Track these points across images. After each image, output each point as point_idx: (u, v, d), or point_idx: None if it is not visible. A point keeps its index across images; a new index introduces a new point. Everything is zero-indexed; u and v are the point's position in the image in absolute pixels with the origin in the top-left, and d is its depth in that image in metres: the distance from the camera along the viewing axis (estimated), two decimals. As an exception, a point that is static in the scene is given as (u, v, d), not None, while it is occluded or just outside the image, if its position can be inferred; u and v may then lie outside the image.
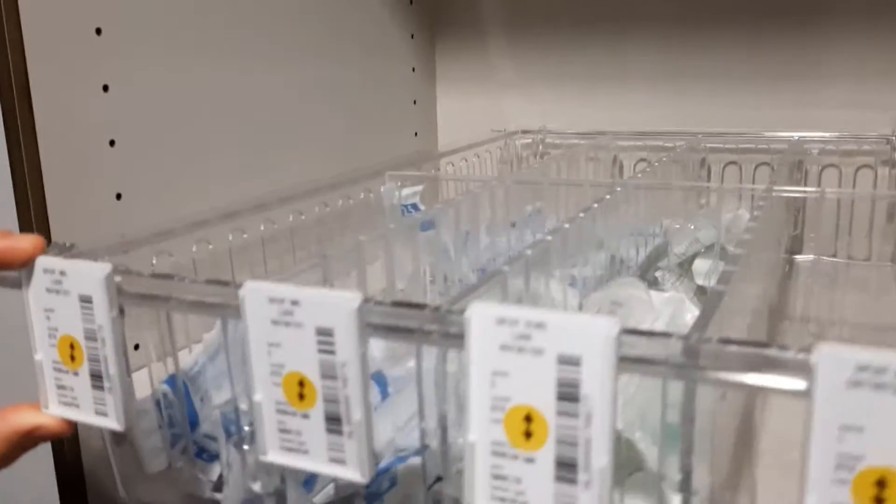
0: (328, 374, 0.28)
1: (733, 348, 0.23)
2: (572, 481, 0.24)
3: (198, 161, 0.62)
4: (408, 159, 0.75)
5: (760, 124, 0.82)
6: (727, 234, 0.61)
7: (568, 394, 0.23)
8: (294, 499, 0.36)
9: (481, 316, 0.24)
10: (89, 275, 0.32)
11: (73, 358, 0.34)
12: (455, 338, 0.26)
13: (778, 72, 0.82)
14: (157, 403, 0.39)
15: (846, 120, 0.78)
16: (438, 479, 0.33)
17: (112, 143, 0.55)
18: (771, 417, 0.46)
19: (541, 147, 0.94)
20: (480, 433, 0.25)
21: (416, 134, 0.96)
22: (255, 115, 0.68)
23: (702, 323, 0.27)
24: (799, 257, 0.78)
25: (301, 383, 0.28)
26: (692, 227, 0.62)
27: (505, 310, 0.24)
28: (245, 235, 0.54)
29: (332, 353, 0.27)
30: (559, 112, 0.94)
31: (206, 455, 0.40)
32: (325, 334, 0.27)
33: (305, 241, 0.59)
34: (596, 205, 0.49)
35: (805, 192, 0.60)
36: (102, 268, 0.32)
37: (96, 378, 0.33)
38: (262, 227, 0.55)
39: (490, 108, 0.97)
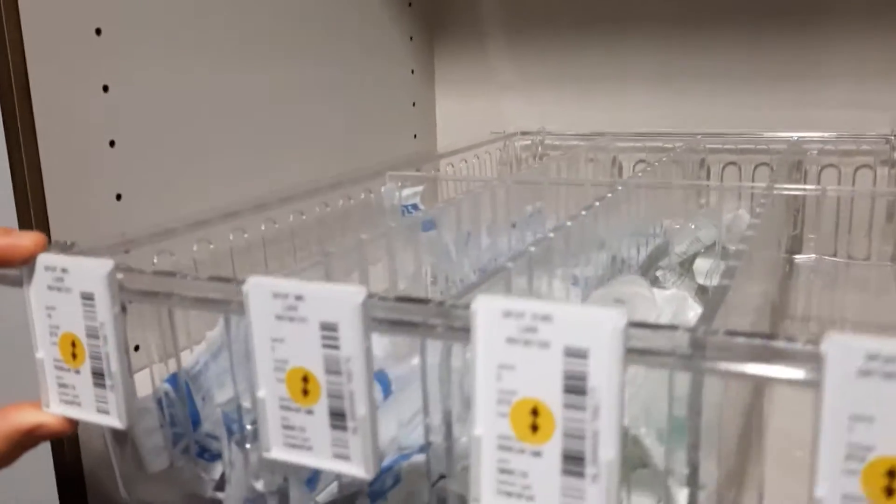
0: (332, 369, 0.27)
1: (740, 340, 0.23)
2: (580, 475, 0.24)
3: (198, 162, 0.62)
4: (407, 160, 0.75)
5: (759, 125, 0.82)
6: (728, 234, 0.61)
7: (575, 386, 0.23)
8: (297, 497, 0.35)
9: (487, 309, 0.24)
10: (91, 272, 0.32)
11: (74, 356, 0.33)
12: (460, 331, 0.26)
13: (777, 72, 0.82)
14: (159, 402, 0.39)
15: (845, 120, 0.78)
16: (441, 476, 0.33)
17: (112, 143, 0.55)
18: (774, 415, 0.46)
19: (540, 149, 0.94)
20: (487, 427, 0.25)
21: (415, 136, 0.96)
22: (254, 117, 0.68)
23: (708, 316, 0.27)
24: (799, 257, 0.78)
25: (305, 379, 0.28)
26: (693, 226, 0.62)
27: (511, 302, 0.24)
28: (246, 235, 0.53)
29: (336, 347, 0.27)
30: (558, 113, 0.94)
31: (207, 455, 0.40)
32: (329, 329, 0.27)
33: (306, 242, 0.59)
34: (598, 203, 0.49)
35: (805, 189, 0.60)
36: (104, 264, 0.32)
37: (98, 376, 0.33)
38: (262, 227, 0.55)
39: (489, 110, 0.97)
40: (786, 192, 0.52)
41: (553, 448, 0.24)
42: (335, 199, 0.63)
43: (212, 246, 0.50)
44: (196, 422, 0.40)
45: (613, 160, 0.89)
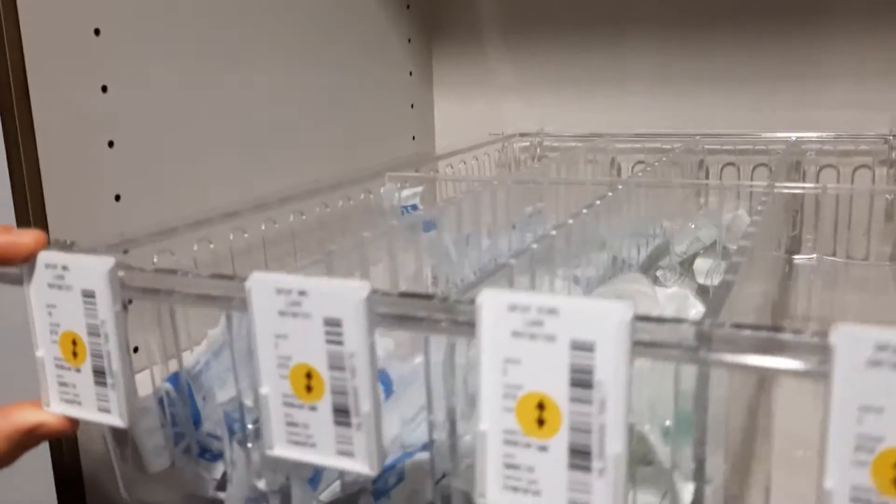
0: (336, 365, 0.27)
1: (747, 332, 0.23)
2: (586, 469, 0.24)
3: (197, 162, 0.62)
4: (406, 162, 0.75)
5: (758, 125, 0.82)
6: (727, 234, 0.61)
7: (581, 380, 0.23)
8: (299, 496, 0.35)
9: (493, 302, 0.24)
10: (92, 269, 0.32)
11: (75, 354, 0.33)
12: (465, 326, 0.25)
13: (775, 73, 0.82)
14: (160, 402, 0.39)
15: (844, 120, 0.78)
16: (444, 475, 0.33)
17: (111, 143, 0.55)
18: (776, 414, 0.46)
19: (538, 150, 0.94)
20: (492, 422, 0.25)
21: (413, 138, 0.96)
22: (253, 118, 0.68)
23: (714, 309, 0.27)
24: (797, 258, 0.78)
25: (308, 375, 0.28)
26: (693, 226, 0.62)
27: (517, 296, 0.24)
28: (246, 235, 0.53)
29: (340, 343, 0.27)
30: (556, 115, 0.94)
31: (208, 455, 0.40)
32: (333, 325, 0.27)
33: (306, 243, 0.59)
34: (599, 201, 0.48)
35: (805, 188, 0.60)
36: (106, 261, 0.31)
37: (99, 374, 0.33)
38: (262, 227, 0.55)
39: (487, 112, 0.97)
40: (786, 191, 0.52)
41: (559, 442, 0.24)
42: (335, 200, 0.63)
43: (212, 246, 0.50)
44: (196, 422, 0.40)
45: (612, 161, 0.89)
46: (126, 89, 0.55)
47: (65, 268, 0.32)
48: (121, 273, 0.32)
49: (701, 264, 0.60)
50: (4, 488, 0.47)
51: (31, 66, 0.49)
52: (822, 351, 0.21)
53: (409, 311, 0.27)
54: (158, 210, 0.57)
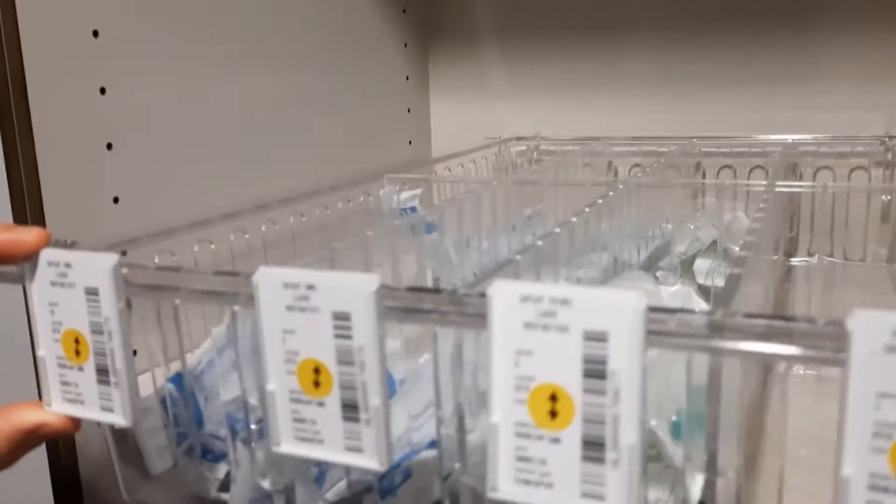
0: (345, 359, 0.27)
1: (760, 321, 0.23)
2: (600, 460, 0.23)
3: (196, 165, 0.61)
4: (403, 166, 0.75)
5: (754, 127, 0.82)
6: (727, 233, 0.61)
7: (595, 370, 0.23)
8: (304, 496, 0.35)
9: (504, 293, 0.24)
10: (96, 266, 0.31)
11: (77, 353, 0.33)
12: (475, 317, 0.25)
13: (771, 75, 0.82)
14: (162, 402, 0.38)
15: (840, 122, 0.79)
16: (449, 475, 0.32)
17: (109, 146, 0.54)
18: (775, 411, 0.46)
19: (535, 154, 0.94)
20: (504, 414, 0.25)
21: (410, 142, 0.96)
22: (251, 122, 0.67)
23: (726, 299, 0.27)
24: (795, 260, 0.79)
25: (316, 370, 0.28)
26: (692, 226, 0.62)
27: (529, 287, 0.24)
28: (247, 236, 0.53)
29: (348, 337, 0.27)
30: (552, 119, 0.94)
31: (210, 456, 0.40)
32: (341, 319, 0.27)
33: (307, 245, 0.59)
34: (601, 200, 0.48)
35: (805, 186, 0.60)
36: (109, 258, 0.31)
37: (102, 373, 0.32)
38: (263, 229, 0.55)
39: (484, 116, 0.97)
40: (787, 190, 0.52)
41: (572, 434, 0.24)
42: (334, 202, 0.63)
43: (213, 246, 0.50)
44: (198, 422, 0.39)
45: (609, 165, 0.89)
46: (125, 91, 0.55)
47: (68, 265, 0.32)
48: (124, 270, 0.32)
49: (701, 264, 0.60)
50: (1, 492, 0.46)
51: (30, 67, 0.48)
52: (839, 338, 0.20)
53: (417, 304, 0.27)
54: (157, 212, 0.57)
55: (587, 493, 0.24)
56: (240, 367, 0.33)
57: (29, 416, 0.33)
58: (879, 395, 0.20)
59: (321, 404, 0.28)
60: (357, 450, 0.28)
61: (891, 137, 0.76)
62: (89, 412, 0.33)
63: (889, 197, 0.73)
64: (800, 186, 0.60)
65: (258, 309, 0.28)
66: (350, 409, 0.27)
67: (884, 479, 0.20)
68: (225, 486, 0.38)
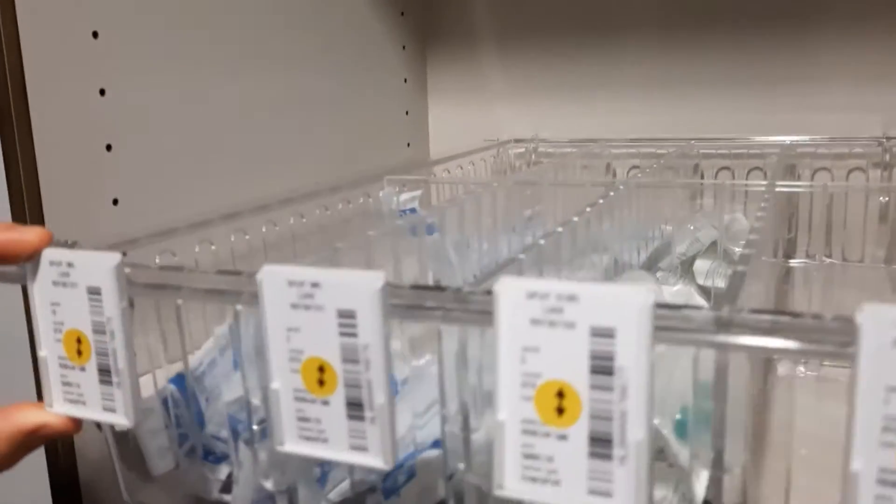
0: (350, 357, 0.27)
1: (766, 317, 0.23)
2: (607, 457, 0.23)
3: (195, 167, 0.61)
4: (402, 167, 0.75)
5: (752, 129, 0.82)
6: (727, 234, 0.61)
7: (602, 367, 0.23)
8: (307, 496, 0.35)
9: (511, 290, 0.24)
10: (98, 265, 0.31)
11: (79, 353, 0.33)
12: (481, 314, 0.25)
13: (768, 76, 0.83)
14: (164, 402, 0.38)
15: (837, 123, 0.79)
16: (452, 475, 0.32)
17: (109, 147, 0.54)
18: (779, 412, 0.46)
19: (533, 156, 0.94)
20: (510, 411, 0.24)
21: (408, 144, 0.96)
22: (249, 124, 0.67)
23: (731, 295, 0.27)
24: (794, 261, 0.79)
25: (321, 369, 0.28)
26: (692, 227, 0.62)
27: (535, 283, 0.24)
28: (247, 237, 0.53)
29: (354, 335, 0.27)
30: (551, 121, 0.94)
31: (212, 457, 0.39)
32: (346, 316, 0.27)
33: (307, 247, 0.58)
34: (602, 200, 0.48)
35: (805, 185, 0.60)
36: (112, 258, 0.31)
37: (104, 373, 0.32)
38: (263, 229, 0.55)
39: (482, 118, 0.97)
40: (787, 190, 0.52)
41: (580, 430, 0.24)
42: (334, 203, 0.63)
43: (213, 247, 0.50)
44: (200, 423, 0.39)
45: (607, 167, 0.89)
46: (124, 93, 0.55)
47: (70, 264, 0.32)
48: (127, 270, 0.32)
49: (701, 265, 0.60)
50: (0, 494, 0.46)
51: (30, 69, 0.48)
52: (847, 333, 0.20)
53: (422, 301, 0.27)
54: (156, 214, 0.56)
55: (594, 490, 0.24)
56: (242, 367, 0.33)
57: (30, 417, 0.33)
58: (888, 389, 0.20)
59: (326, 403, 0.28)
60: (362, 448, 0.28)
61: (888, 139, 0.76)
62: (91, 413, 0.33)
63: (887, 198, 0.73)
64: (800, 186, 0.60)
65: (262, 307, 0.28)
66: (355, 408, 0.27)
67: (893, 474, 0.20)
68: (227, 487, 0.38)
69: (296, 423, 0.29)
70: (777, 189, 0.51)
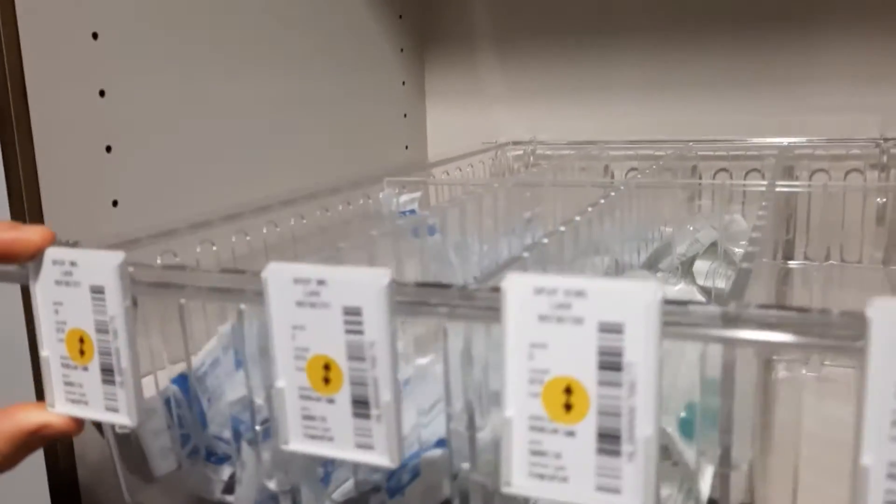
0: (356, 355, 0.27)
1: (773, 312, 0.23)
2: (616, 453, 0.23)
3: (195, 168, 0.61)
4: (400, 170, 0.75)
5: (749, 130, 0.83)
6: (726, 234, 0.61)
7: (610, 362, 0.23)
8: (310, 496, 0.35)
9: (518, 286, 0.24)
10: (102, 264, 0.31)
11: (82, 353, 0.33)
12: (487, 311, 0.25)
13: (766, 78, 0.83)
14: (166, 403, 0.38)
15: (835, 124, 0.79)
16: (456, 475, 0.32)
17: (108, 148, 0.54)
18: (781, 411, 0.46)
19: (532, 158, 0.94)
20: (518, 408, 0.24)
21: (406, 147, 0.96)
22: (248, 126, 0.67)
23: (738, 292, 0.27)
24: (792, 262, 0.79)
25: (327, 367, 0.28)
26: (691, 228, 0.62)
27: (543, 279, 0.24)
28: (248, 238, 0.53)
29: (360, 332, 0.27)
30: (549, 124, 0.94)
31: (214, 458, 0.39)
32: (352, 314, 0.27)
33: (307, 248, 0.58)
34: (603, 200, 0.48)
35: (805, 186, 0.60)
36: (115, 256, 0.31)
37: (107, 372, 0.32)
38: (264, 230, 0.55)
39: (480, 121, 0.97)
40: (787, 190, 0.52)
41: (587, 427, 0.24)
42: (334, 204, 0.63)
43: (214, 247, 0.50)
44: (203, 423, 0.39)
45: (605, 169, 0.89)
46: (124, 94, 0.55)
47: (73, 263, 0.32)
48: (130, 269, 0.32)
49: (700, 266, 0.60)
50: None
51: (30, 70, 0.48)
52: (857, 327, 0.20)
53: (428, 298, 0.27)
54: (156, 215, 0.56)
55: (602, 487, 0.24)
56: (246, 366, 0.33)
57: (32, 417, 0.33)
58: (898, 383, 0.20)
59: (331, 401, 0.28)
60: (368, 447, 0.27)
61: (886, 139, 0.76)
62: (93, 413, 0.33)
63: (885, 199, 0.73)
64: (800, 186, 0.60)
65: (268, 305, 0.28)
66: (361, 406, 0.27)
67: (903, 468, 0.20)
68: (229, 487, 0.38)
69: (301, 422, 0.28)
70: (777, 189, 0.51)
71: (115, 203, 0.54)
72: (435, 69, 0.99)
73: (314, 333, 0.27)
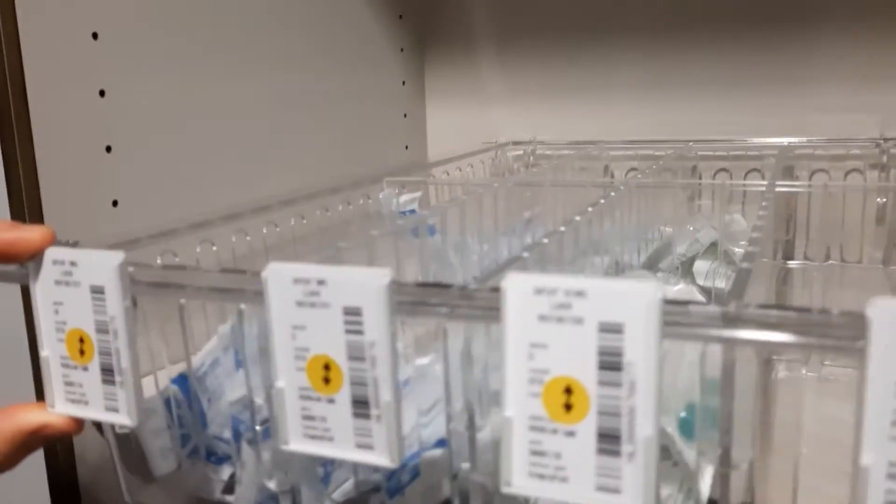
0: (356, 355, 0.27)
1: (773, 312, 0.23)
2: (615, 453, 0.23)
3: (195, 168, 0.61)
4: (400, 170, 0.75)
5: (750, 131, 0.82)
6: (726, 234, 0.61)
7: (610, 362, 0.23)
8: (310, 496, 0.35)
9: (518, 286, 0.24)
10: (102, 264, 0.31)
11: (82, 353, 0.33)
12: (487, 311, 0.25)
13: (766, 78, 0.83)
14: (166, 403, 0.38)
15: (835, 124, 0.79)
16: (456, 475, 0.32)
17: (108, 149, 0.54)
18: (781, 411, 0.46)
19: (531, 158, 0.94)
20: (518, 408, 0.24)
21: (406, 147, 0.96)
22: (248, 126, 0.67)
23: (737, 291, 0.27)
24: (792, 262, 0.79)
25: (327, 367, 0.28)
26: (691, 228, 0.62)
27: (543, 279, 0.24)
28: (248, 238, 0.53)
29: (360, 332, 0.27)
30: (549, 124, 0.94)
31: (214, 458, 0.39)
32: (353, 314, 0.27)
33: (308, 248, 0.58)
34: (603, 200, 0.48)
35: (805, 186, 0.60)
36: (116, 256, 0.31)
37: (107, 372, 0.32)
38: (264, 230, 0.55)
39: (480, 121, 0.97)
40: (788, 190, 0.52)
41: (587, 427, 0.24)
42: (334, 204, 0.63)
43: (214, 248, 0.50)
44: (203, 423, 0.39)
45: (605, 169, 0.89)
46: (124, 94, 0.55)
47: (73, 263, 0.32)
48: (130, 269, 0.32)
49: (700, 266, 0.60)
50: (-1, 498, 0.46)
51: (29, 69, 0.48)
52: (857, 327, 0.20)
53: (428, 298, 0.27)
54: (156, 216, 0.56)
55: (602, 487, 0.24)
56: (246, 366, 0.33)
57: (32, 417, 0.33)
58: (898, 383, 0.20)
59: (331, 401, 0.28)
60: (368, 447, 0.27)
61: (886, 139, 0.76)
62: (93, 413, 0.33)
63: (885, 199, 0.73)
64: (800, 186, 0.60)
65: (268, 305, 0.28)
66: (361, 406, 0.27)
67: (903, 468, 0.20)
68: (229, 487, 0.38)
69: (301, 422, 0.28)
70: (777, 189, 0.51)
71: (114, 203, 0.54)
72: (435, 69, 0.99)
73: (314, 333, 0.27)
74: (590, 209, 0.46)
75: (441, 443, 0.34)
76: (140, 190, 0.56)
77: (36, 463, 0.48)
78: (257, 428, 0.35)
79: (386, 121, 0.92)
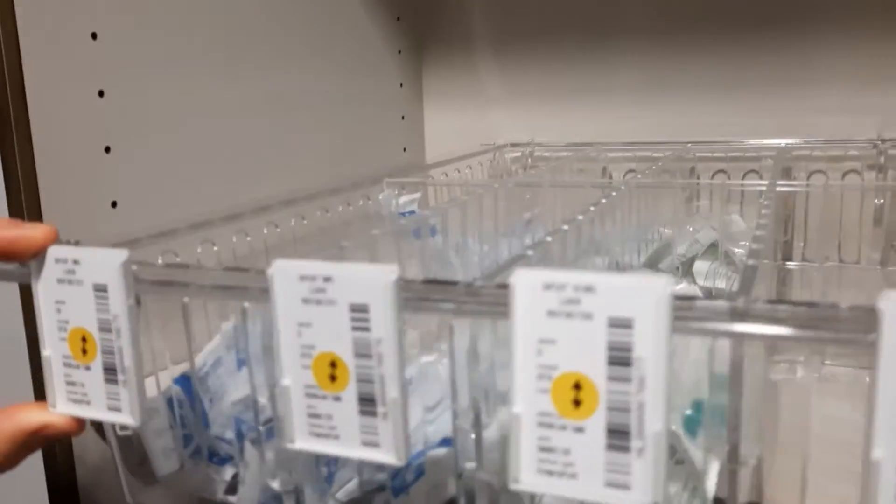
0: (362, 352, 0.27)
1: (783, 307, 0.23)
2: (625, 449, 0.23)
3: (194, 169, 0.61)
4: (399, 171, 0.75)
5: (747, 132, 0.83)
6: (725, 234, 0.61)
7: (619, 358, 0.23)
8: (313, 496, 0.34)
9: (527, 282, 0.24)
10: (105, 262, 0.31)
11: (84, 352, 0.32)
12: (494, 307, 0.25)
13: (763, 79, 0.83)
14: (168, 403, 0.38)
15: (833, 125, 0.79)
16: (461, 474, 0.32)
17: (108, 149, 0.54)
18: (787, 411, 0.46)
19: (530, 160, 0.94)
20: (526, 404, 0.24)
21: (404, 149, 0.96)
22: (247, 128, 0.67)
23: (746, 287, 0.27)
24: (791, 263, 0.79)
25: (333, 364, 0.27)
26: (691, 228, 0.63)
27: (552, 274, 0.24)
28: (249, 238, 0.53)
29: (366, 329, 0.26)
30: (547, 126, 0.94)
31: (216, 458, 0.39)
32: (359, 311, 0.26)
33: (308, 248, 0.58)
34: (604, 200, 0.49)
35: (805, 186, 0.60)
36: (119, 254, 0.31)
37: (110, 371, 0.32)
38: (265, 231, 0.54)
39: (478, 123, 0.97)
40: (787, 190, 0.52)
41: (596, 423, 0.23)
42: (334, 205, 0.62)
43: (215, 248, 0.49)
44: (205, 424, 0.39)
45: (603, 170, 0.89)
46: (123, 94, 0.54)
47: (76, 262, 0.31)
48: (133, 267, 0.31)
49: (700, 266, 0.60)
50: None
51: (29, 70, 0.48)
52: (868, 320, 0.20)
53: (435, 295, 0.27)
54: (155, 216, 0.56)
55: (612, 483, 0.24)
56: (250, 365, 0.33)
57: (33, 417, 0.33)
58: (910, 376, 0.20)
59: (337, 399, 0.28)
60: (374, 444, 0.27)
61: (883, 140, 0.77)
62: (96, 412, 0.33)
63: (882, 200, 0.73)
64: (800, 186, 0.60)
65: (273, 302, 0.28)
66: (367, 403, 0.27)
67: (915, 461, 0.20)
68: (232, 488, 0.38)
69: (306, 420, 0.28)
70: (778, 189, 0.51)
71: (114, 204, 0.54)
72: (432, 71, 0.99)
73: (320, 330, 0.27)
74: (591, 209, 0.46)
75: (446, 441, 0.34)
76: (139, 190, 0.56)
77: (34, 464, 0.48)
78: (261, 427, 0.35)
79: (383, 123, 0.92)
